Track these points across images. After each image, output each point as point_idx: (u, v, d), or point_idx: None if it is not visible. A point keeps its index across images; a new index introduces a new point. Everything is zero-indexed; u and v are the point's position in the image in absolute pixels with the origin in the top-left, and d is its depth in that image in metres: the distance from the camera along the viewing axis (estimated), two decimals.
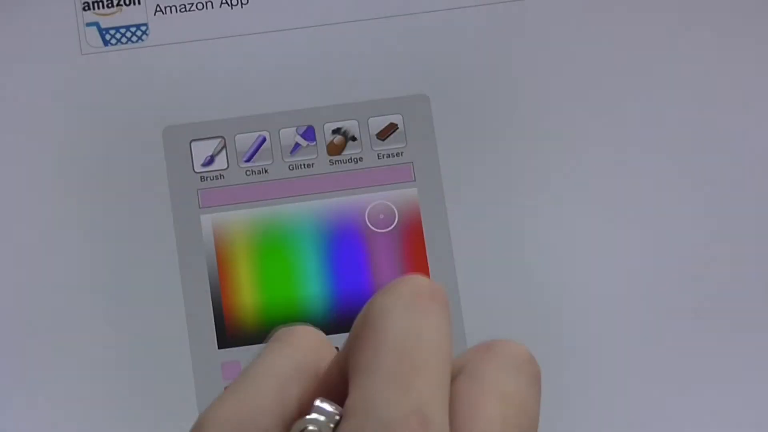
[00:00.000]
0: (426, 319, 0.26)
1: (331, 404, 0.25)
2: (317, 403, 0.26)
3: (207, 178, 0.60)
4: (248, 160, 0.60)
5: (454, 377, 0.27)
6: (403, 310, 0.26)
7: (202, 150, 0.60)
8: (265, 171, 0.60)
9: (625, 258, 0.65)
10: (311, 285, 0.59)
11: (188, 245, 0.61)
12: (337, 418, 0.25)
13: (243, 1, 0.63)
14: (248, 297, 0.59)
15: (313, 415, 0.25)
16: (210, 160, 0.60)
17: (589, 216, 0.66)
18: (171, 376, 0.58)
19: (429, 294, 0.27)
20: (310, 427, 0.25)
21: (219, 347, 0.58)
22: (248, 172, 0.60)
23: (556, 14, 0.76)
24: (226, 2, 0.62)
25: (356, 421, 0.24)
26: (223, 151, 0.60)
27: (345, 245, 0.59)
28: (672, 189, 0.68)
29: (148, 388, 0.58)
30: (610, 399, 0.59)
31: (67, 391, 0.58)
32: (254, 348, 0.57)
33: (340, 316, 0.58)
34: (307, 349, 0.28)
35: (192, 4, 0.62)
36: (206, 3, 0.62)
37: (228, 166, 0.60)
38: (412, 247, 0.60)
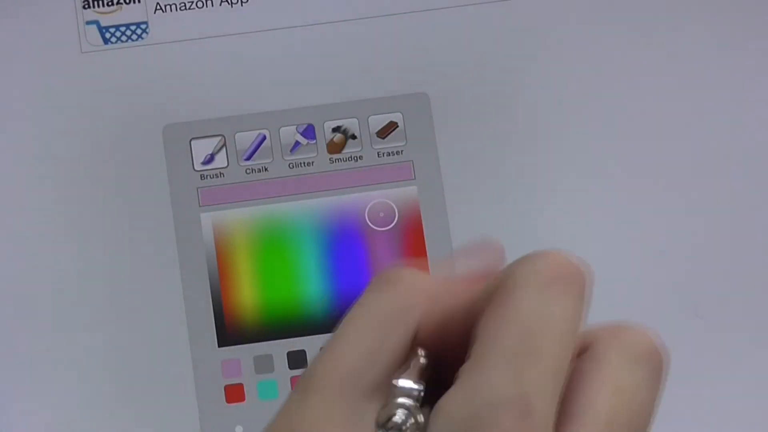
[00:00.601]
0: (557, 305, 0.25)
1: (415, 381, 0.25)
2: (400, 384, 0.25)
3: (207, 176, 0.60)
4: (248, 159, 0.60)
5: (579, 353, 0.26)
6: (536, 290, 0.25)
7: (202, 148, 0.60)
8: (265, 169, 0.60)
9: (625, 258, 0.64)
10: (311, 283, 0.59)
11: (188, 243, 0.61)
12: (422, 394, 0.25)
13: (243, 0, 0.63)
14: (248, 295, 0.59)
15: (399, 399, 0.25)
16: (210, 159, 0.60)
17: (588, 215, 0.66)
18: (171, 374, 0.58)
19: (567, 277, 0.26)
20: (395, 418, 0.25)
21: (219, 345, 0.58)
22: (248, 171, 0.60)
23: (556, 13, 0.76)
24: (226, 1, 0.62)
25: (463, 393, 0.24)
26: (223, 150, 0.60)
27: (345, 243, 0.59)
28: (672, 189, 0.68)
29: (148, 387, 0.58)
30: None
31: (68, 389, 0.58)
32: (255, 345, 0.57)
33: (340, 314, 0.58)
34: (408, 289, 0.27)
35: (192, 2, 0.62)
36: (206, 1, 0.62)
37: (228, 165, 0.60)
38: (412, 246, 0.60)
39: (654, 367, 0.27)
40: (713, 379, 0.60)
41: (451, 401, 0.24)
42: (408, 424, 0.24)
